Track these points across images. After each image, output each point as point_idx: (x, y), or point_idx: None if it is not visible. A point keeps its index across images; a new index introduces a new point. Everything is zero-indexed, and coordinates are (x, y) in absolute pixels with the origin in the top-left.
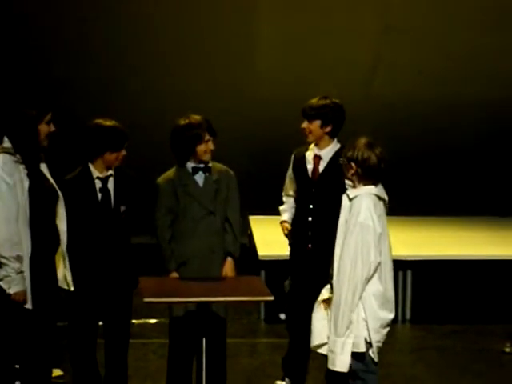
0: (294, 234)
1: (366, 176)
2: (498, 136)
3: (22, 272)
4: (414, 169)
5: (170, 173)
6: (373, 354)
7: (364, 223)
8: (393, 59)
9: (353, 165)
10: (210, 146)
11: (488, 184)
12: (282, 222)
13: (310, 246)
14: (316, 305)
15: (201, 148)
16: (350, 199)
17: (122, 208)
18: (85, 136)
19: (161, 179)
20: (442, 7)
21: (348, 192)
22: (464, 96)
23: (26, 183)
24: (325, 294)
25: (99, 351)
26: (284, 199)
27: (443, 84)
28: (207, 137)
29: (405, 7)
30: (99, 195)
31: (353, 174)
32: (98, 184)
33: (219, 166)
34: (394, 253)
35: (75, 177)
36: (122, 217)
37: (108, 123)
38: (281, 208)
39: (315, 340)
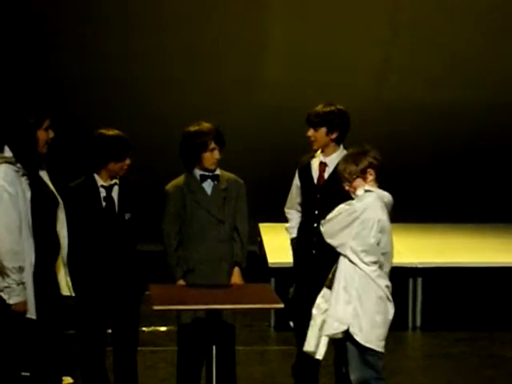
0: (299, 240)
1: (381, 178)
2: (510, 141)
3: (22, 283)
4: (424, 174)
5: (179, 180)
6: (378, 347)
7: (354, 205)
8: (402, 64)
9: (371, 171)
10: (216, 155)
11: (499, 190)
12: (292, 240)
13: (314, 251)
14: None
15: (206, 156)
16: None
17: (127, 215)
18: (88, 146)
19: (169, 186)
20: (451, 11)
21: (366, 187)
22: (476, 100)
23: (28, 193)
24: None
25: (108, 358)
26: (288, 215)
27: (454, 88)
28: (212, 145)
29: (414, 12)
30: (103, 203)
31: (371, 180)
32: (103, 193)
33: (228, 174)
34: (404, 260)
35: (79, 184)
36: (127, 224)
37: (111, 133)
38: (287, 226)
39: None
